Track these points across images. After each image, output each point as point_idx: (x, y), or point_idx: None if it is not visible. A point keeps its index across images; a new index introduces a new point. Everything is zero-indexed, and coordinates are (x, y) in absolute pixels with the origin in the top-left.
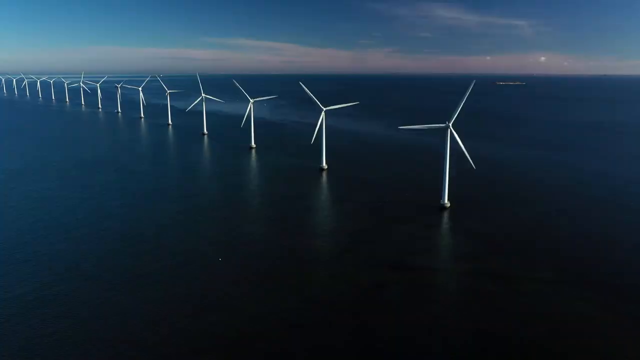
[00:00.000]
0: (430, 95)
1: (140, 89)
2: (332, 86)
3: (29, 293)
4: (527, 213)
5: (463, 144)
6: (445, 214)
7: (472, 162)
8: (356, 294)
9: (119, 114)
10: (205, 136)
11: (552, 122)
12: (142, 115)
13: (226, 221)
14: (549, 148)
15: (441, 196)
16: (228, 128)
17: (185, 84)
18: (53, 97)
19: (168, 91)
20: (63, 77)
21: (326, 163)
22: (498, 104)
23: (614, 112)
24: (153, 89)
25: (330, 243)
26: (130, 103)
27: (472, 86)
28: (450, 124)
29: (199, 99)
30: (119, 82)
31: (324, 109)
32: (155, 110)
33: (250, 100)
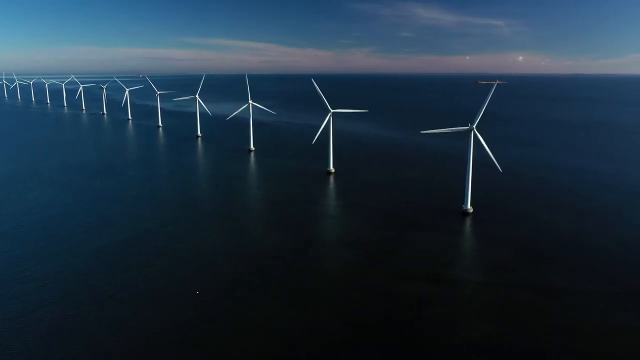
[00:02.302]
0: (416, 94)
1: (127, 89)
2: (312, 86)
3: (33, 312)
4: (551, 217)
5: (487, 147)
6: (470, 220)
7: (498, 166)
8: (397, 310)
9: (105, 115)
10: (200, 138)
11: (550, 122)
12: (129, 117)
13: (239, 230)
14: (558, 148)
15: (463, 201)
16: (222, 130)
17: (169, 85)
18: (33, 99)
19: (158, 92)
20: (44, 78)
21: (333, 166)
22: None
23: (609, 112)
24: (138, 90)
25: (355, 253)
26: (115, 104)
27: (493, 89)
28: (475, 127)
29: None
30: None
31: (332, 111)
32: (143, 112)
33: (250, 102)
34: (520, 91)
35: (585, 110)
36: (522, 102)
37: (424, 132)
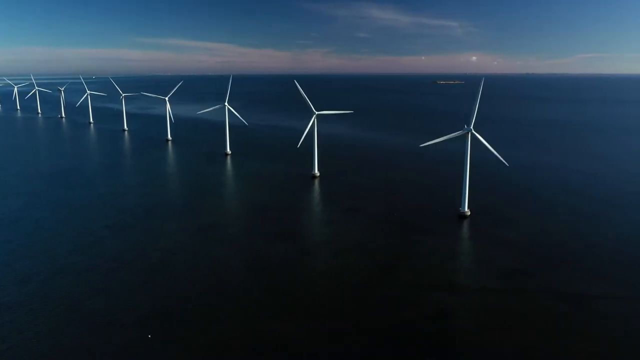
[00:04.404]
0: (380, 94)
1: (88, 91)
2: (274, 87)
3: (30, 341)
4: (547, 218)
5: (489, 145)
6: (469, 224)
7: (504, 161)
8: (426, 323)
9: (63, 119)
10: (170, 142)
11: (517, 122)
12: (91, 120)
13: (233, 240)
14: (537, 148)
15: (460, 204)
16: (192, 133)
17: (126, 86)
18: None
19: (123, 94)
20: None
21: (318, 169)
22: (459, 104)
23: (567, 111)
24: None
25: (359, 260)
26: (73, 107)
27: (481, 86)
28: (472, 128)
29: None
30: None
31: (316, 112)
32: (104, 115)
33: (226, 104)
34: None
35: (545, 110)
36: (487, 102)
37: (424, 145)
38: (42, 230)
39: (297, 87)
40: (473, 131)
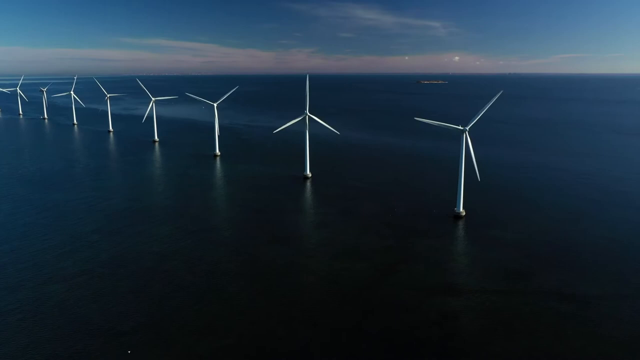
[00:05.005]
0: (365, 95)
1: (72, 92)
2: (259, 87)
3: (24, 349)
4: (543, 218)
5: (473, 153)
6: (465, 224)
7: (478, 174)
8: (426, 324)
9: (46, 120)
10: (157, 143)
11: (500, 121)
12: (75, 121)
13: (228, 244)
14: (525, 147)
15: (456, 204)
16: (178, 134)
17: (109, 87)
18: None
19: (108, 95)
20: None
21: (309, 170)
22: (444, 104)
23: (551, 109)
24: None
25: (359, 263)
26: (56, 108)
27: (498, 95)
28: (468, 129)
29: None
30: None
31: (307, 113)
32: (88, 115)
33: (215, 104)
34: (464, 91)
35: (528, 109)
36: (471, 102)
37: (418, 119)
38: (31, 235)
39: (301, 84)
40: (467, 132)
